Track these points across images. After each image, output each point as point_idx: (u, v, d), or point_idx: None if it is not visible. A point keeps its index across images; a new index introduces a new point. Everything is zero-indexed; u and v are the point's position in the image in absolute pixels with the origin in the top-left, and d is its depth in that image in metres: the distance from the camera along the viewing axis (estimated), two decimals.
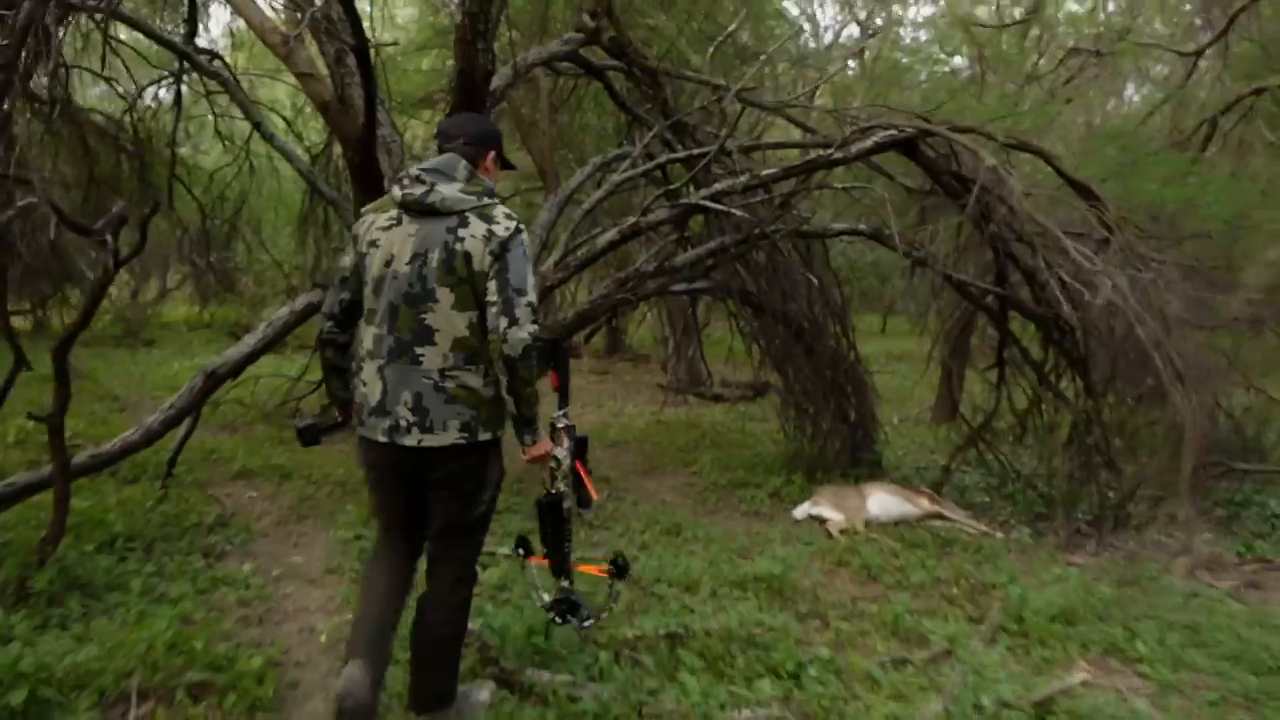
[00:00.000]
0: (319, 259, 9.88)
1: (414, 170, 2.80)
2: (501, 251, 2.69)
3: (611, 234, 5.64)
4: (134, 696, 3.15)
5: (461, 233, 2.71)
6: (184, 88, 8.30)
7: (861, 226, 6.33)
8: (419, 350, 2.72)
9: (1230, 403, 6.51)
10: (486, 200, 2.78)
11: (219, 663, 3.35)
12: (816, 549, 5.37)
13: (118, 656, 3.31)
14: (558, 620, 3.31)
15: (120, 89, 8.19)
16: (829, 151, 5.38)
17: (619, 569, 3.37)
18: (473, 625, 3.43)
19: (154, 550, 4.71)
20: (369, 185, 4.95)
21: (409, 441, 2.73)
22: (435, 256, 2.70)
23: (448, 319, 2.71)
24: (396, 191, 2.80)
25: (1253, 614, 4.51)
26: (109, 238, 2.98)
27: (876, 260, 12.36)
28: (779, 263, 6.69)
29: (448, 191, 2.74)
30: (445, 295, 2.70)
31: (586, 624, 3.31)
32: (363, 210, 2.96)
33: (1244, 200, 4.89)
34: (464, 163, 2.81)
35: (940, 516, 6.32)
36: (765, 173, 5.39)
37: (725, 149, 5.58)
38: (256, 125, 6.28)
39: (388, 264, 2.75)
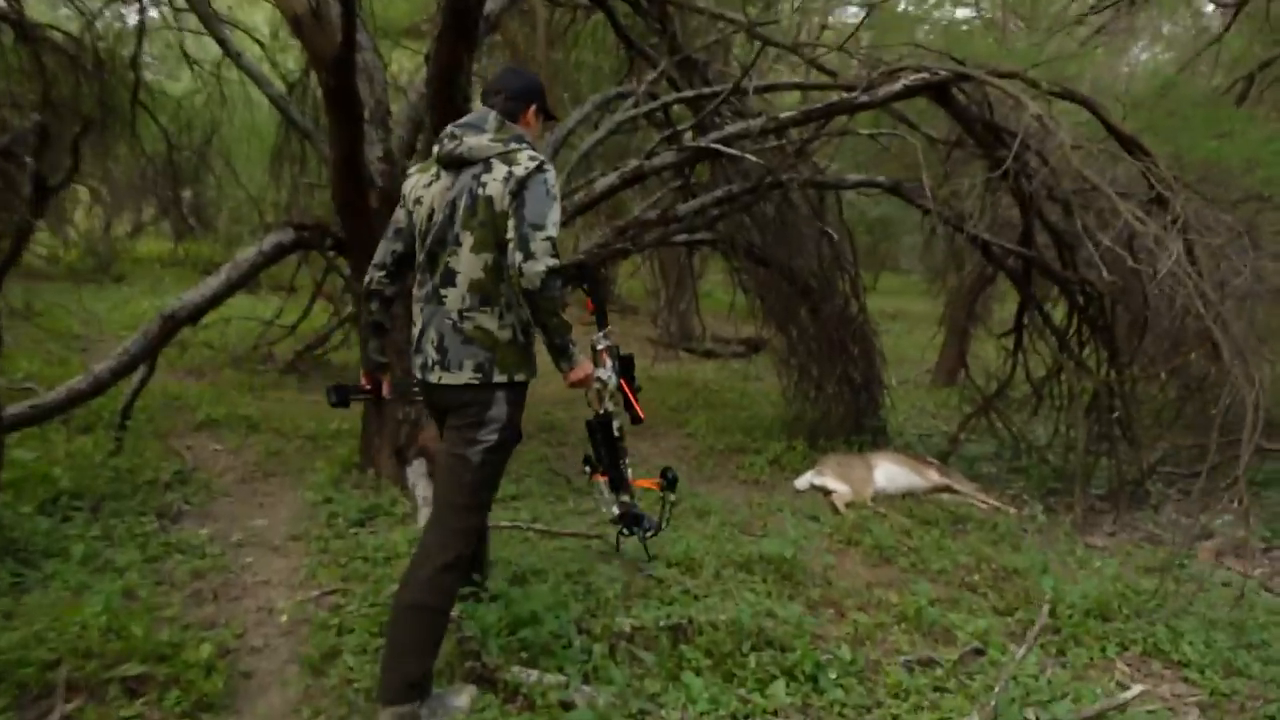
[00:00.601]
0: (294, 195, 9.32)
1: (450, 128, 2.91)
2: (520, 189, 2.72)
3: (611, 178, 5.17)
4: (60, 690, 2.75)
5: (484, 178, 2.78)
6: (149, 5, 7.67)
7: (880, 179, 5.87)
8: (443, 292, 2.85)
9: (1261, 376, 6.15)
10: (513, 145, 2.82)
11: (162, 651, 2.94)
12: (823, 525, 5.00)
13: (46, 642, 2.89)
14: (625, 532, 3.38)
15: (80, 4, 7.57)
16: (853, 94, 4.90)
17: (670, 481, 3.51)
18: (453, 614, 3.05)
19: (102, 510, 4.29)
20: (346, 115, 4.45)
21: (433, 378, 2.87)
22: (462, 203, 2.81)
23: (468, 262, 2.81)
24: (436, 149, 2.94)
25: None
26: (28, 159, 2.51)
27: (883, 215, 11.90)
28: (788, 215, 6.23)
29: (474, 142, 2.83)
30: (467, 238, 2.80)
31: (649, 533, 3.37)
32: (409, 170, 3.12)
33: None
34: (494, 114, 2.90)
35: (949, 489, 5.99)
36: (784, 115, 4.91)
37: (741, 88, 5.09)
38: (222, 43, 5.71)
39: (430, 217, 2.89)
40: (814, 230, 6.32)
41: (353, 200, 4.77)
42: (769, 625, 3.32)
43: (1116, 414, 5.53)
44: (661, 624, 3.28)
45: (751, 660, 3.12)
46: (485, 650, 2.99)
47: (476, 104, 3.13)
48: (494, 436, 2.83)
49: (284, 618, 3.45)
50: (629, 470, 3.28)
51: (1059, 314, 6.21)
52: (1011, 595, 4.03)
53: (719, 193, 5.76)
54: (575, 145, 6.50)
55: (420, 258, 2.95)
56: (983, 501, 5.87)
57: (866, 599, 3.89)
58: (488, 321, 2.82)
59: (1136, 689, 3.13)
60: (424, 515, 4.59)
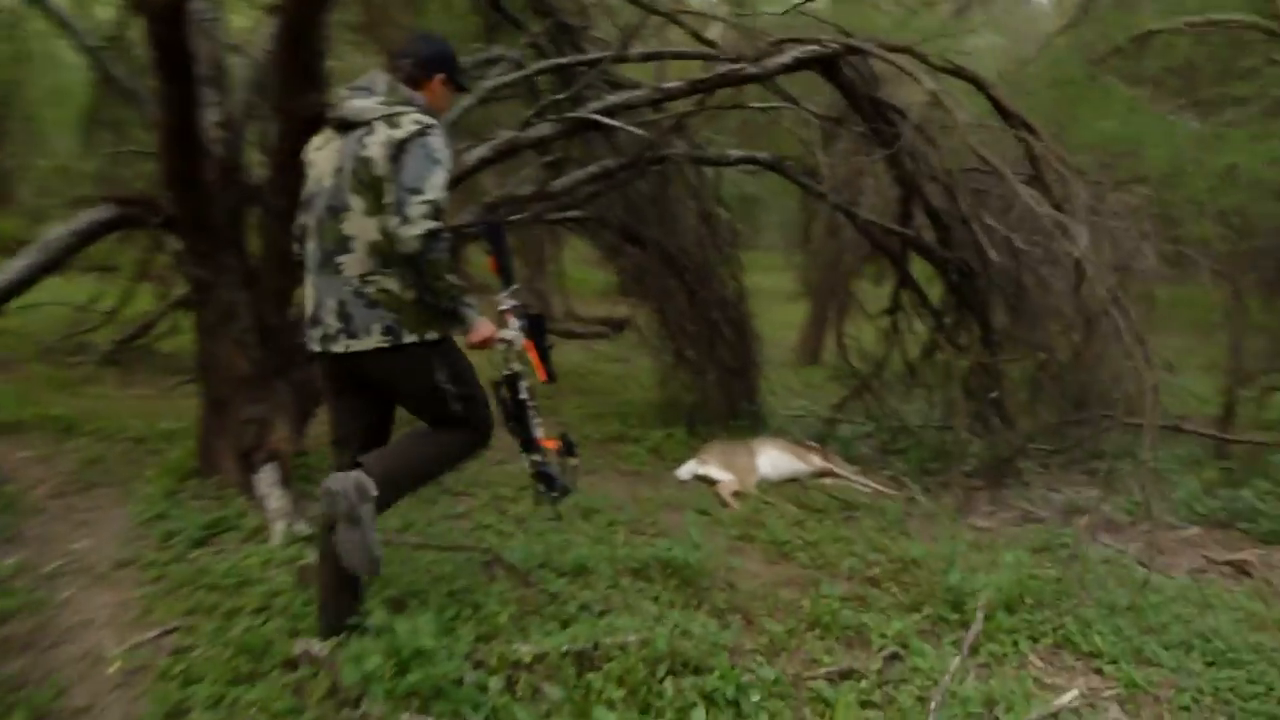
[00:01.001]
0: (113, 165, 8.33)
1: (341, 90, 2.89)
2: (399, 153, 2.68)
3: (483, 150, 4.73)
4: None
5: (366, 140, 2.74)
6: None
7: (762, 155, 5.66)
8: (339, 259, 2.78)
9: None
10: (399, 109, 2.78)
11: None
12: (714, 519, 4.78)
13: None
14: (541, 490, 3.27)
15: None
16: (741, 66, 4.64)
17: (567, 445, 3.35)
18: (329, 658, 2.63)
19: None
20: (177, 73, 3.84)
21: (338, 348, 2.79)
22: (348, 166, 2.77)
23: (361, 226, 2.75)
24: (329, 115, 2.90)
25: (1178, 587, 4.25)
26: None
27: (746, 192, 11.82)
28: (665, 192, 5.95)
29: (360, 104, 2.80)
30: (357, 203, 2.75)
31: (554, 495, 3.25)
32: (311, 140, 3.03)
33: (1181, 143, 4.56)
34: (386, 77, 2.88)
35: (831, 474, 5.90)
36: (668, 85, 4.60)
37: (624, 55, 4.74)
38: None
39: (318, 180, 2.87)
40: (691, 208, 6.06)
41: (184, 171, 4.16)
42: (684, 646, 3.03)
43: (994, 394, 5.54)
44: (565, 650, 2.93)
45: (668, 687, 2.82)
46: (369, 699, 2.57)
47: (341, 72, 2.71)
48: (458, 389, 2.87)
49: (115, 667, 2.92)
50: (540, 430, 3.19)
51: (934, 294, 6.21)
52: (915, 590, 3.89)
53: (595, 168, 5.41)
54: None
55: (309, 223, 2.89)
56: (865, 484, 5.81)
57: (774, 603, 3.67)
58: (390, 284, 2.75)
59: (1070, 694, 3.02)
60: (279, 529, 4.10)
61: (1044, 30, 10.40)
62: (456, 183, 4.93)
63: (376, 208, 2.71)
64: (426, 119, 2.76)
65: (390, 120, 2.72)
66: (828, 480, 5.86)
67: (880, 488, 5.77)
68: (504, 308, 3.04)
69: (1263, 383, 7.31)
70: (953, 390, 5.88)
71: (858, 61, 4.97)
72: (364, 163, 2.72)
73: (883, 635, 3.39)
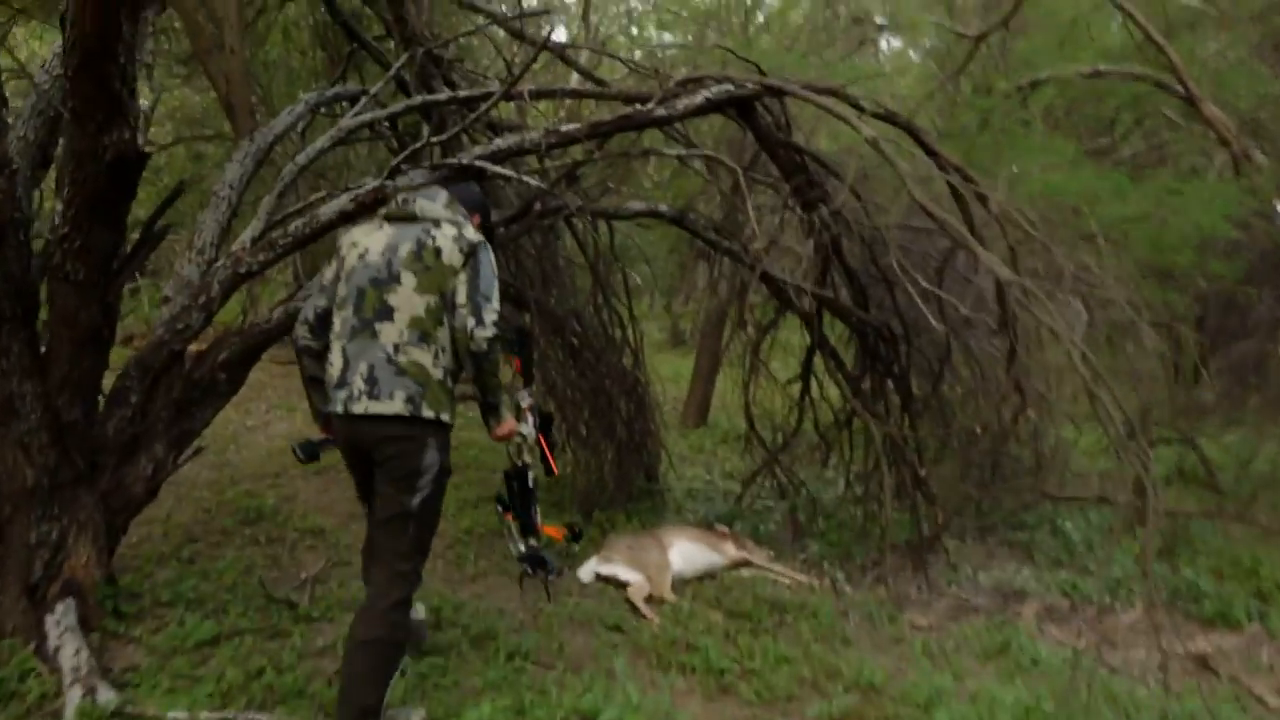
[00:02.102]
0: None
1: (401, 196, 3.15)
2: (471, 254, 2.97)
3: (343, 202, 3.90)
4: None
5: (434, 232, 3.01)
6: None
7: (663, 208, 5.04)
8: (378, 326, 2.93)
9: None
10: (461, 218, 3.11)
11: None
12: (632, 638, 4.03)
13: None
14: (529, 571, 3.46)
15: None
16: (649, 107, 4.00)
17: (575, 534, 3.74)
18: None
19: None
20: None
21: (358, 409, 2.90)
22: (406, 248, 2.99)
23: (408, 300, 2.93)
24: (382, 211, 3.18)
25: (1155, 698, 3.79)
26: None
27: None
28: (553, 249, 5.24)
29: (426, 205, 3.08)
30: (409, 279, 2.95)
31: (552, 575, 3.47)
32: (349, 228, 3.27)
33: (1133, 200, 4.24)
34: (445, 193, 3.17)
35: (747, 563, 5.26)
36: (566, 129, 3.90)
37: (514, 93, 4.01)
38: None
39: (361, 256, 3.04)
40: (582, 266, 5.37)
41: None
42: None
43: (922, 470, 5.06)
44: None
45: None
46: None
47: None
48: (429, 487, 2.94)
49: None
50: (539, 517, 3.47)
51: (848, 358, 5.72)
52: None
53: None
54: (278, 162, 5.12)
55: (346, 293, 3.03)
56: (785, 576, 5.20)
57: None
58: (423, 357, 2.92)
59: None
60: (74, 698, 3.12)
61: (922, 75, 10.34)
62: (307, 242, 4.10)
63: (427, 289, 2.93)
64: (475, 229, 3.11)
65: (454, 222, 3.04)
66: (744, 571, 5.22)
67: (800, 577, 5.18)
68: (524, 404, 3.32)
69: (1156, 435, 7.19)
70: (877, 463, 5.37)
71: (773, 105, 4.42)
72: (432, 250, 2.96)
73: None
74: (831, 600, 4.76)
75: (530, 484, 3.38)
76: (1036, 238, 3.40)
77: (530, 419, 3.31)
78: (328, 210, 3.97)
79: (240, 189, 4.24)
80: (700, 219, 5.08)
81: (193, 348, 3.84)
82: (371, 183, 3.97)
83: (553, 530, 3.70)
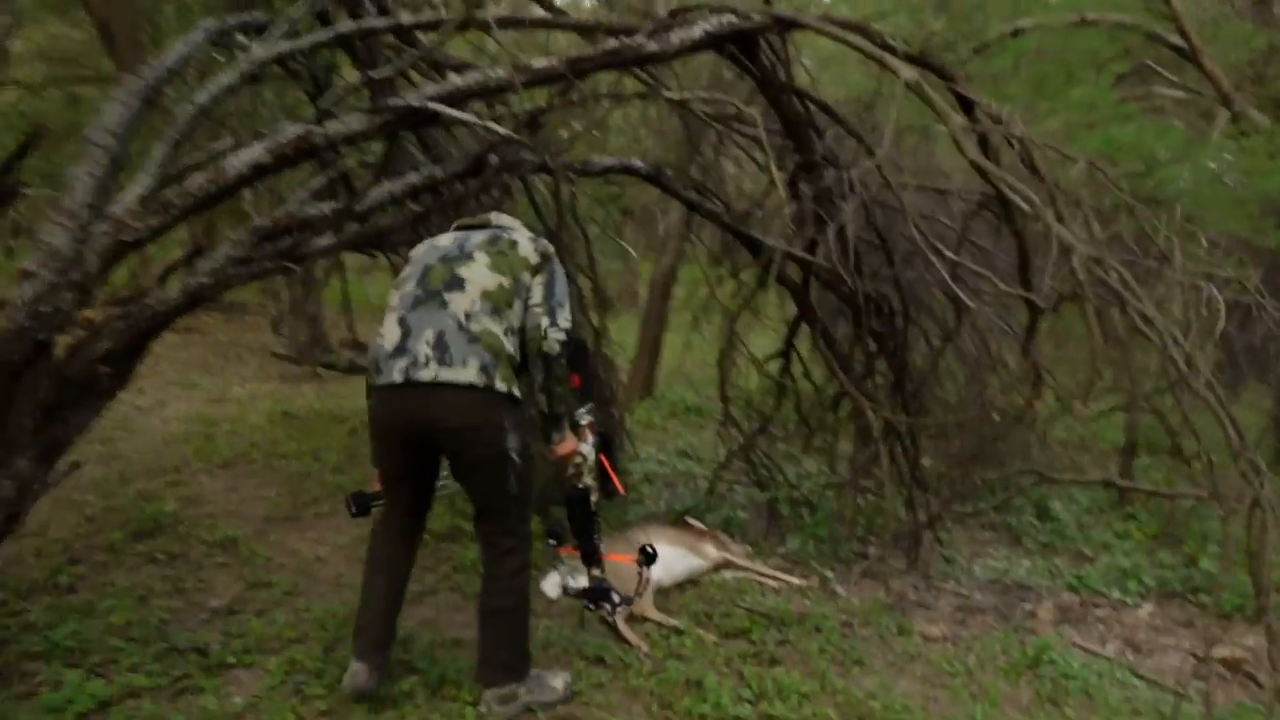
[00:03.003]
0: None
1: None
2: (547, 259, 3.01)
3: (257, 153, 3.11)
4: None
5: (510, 233, 3.05)
6: None
7: (637, 163, 4.33)
8: (447, 295, 2.83)
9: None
10: (532, 236, 3.11)
11: None
12: (620, 674, 3.40)
13: None
14: (590, 607, 3.33)
15: None
16: (637, 41, 3.29)
17: (648, 557, 3.45)
18: None
19: None
20: None
21: (425, 376, 2.74)
22: (480, 236, 3.01)
23: (481, 274, 2.87)
24: (456, 223, 3.21)
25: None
26: None
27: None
28: (510, 213, 4.49)
29: (500, 216, 3.18)
30: (482, 257, 2.92)
31: (620, 607, 3.33)
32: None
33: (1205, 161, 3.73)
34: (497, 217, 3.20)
35: (729, 565, 4.70)
36: (541, 65, 3.17)
37: (472, 19, 3.23)
38: None
39: (431, 245, 3.04)
40: (540, 231, 4.64)
41: None
42: None
43: (925, 459, 4.54)
44: None
45: None
46: None
47: None
48: (520, 466, 2.86)
49: None
50: (602, 544, 3.28)
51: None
52: None
53: (415, 178, 3.87)
54: (172, 107, 4.22)
55: (409, 274, 2.96)
56: (773, 577, 4.66)
57: None
58: (495, 326, 2.82)
59: None
60: None
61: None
62: (212, 203, 3.31)
63: (500, 270, 2.87)
64: None
65: (531, 234, 3.08)
66: (726, 573, 4.66)
67: (788, 578, 4.64)
68: (583, 422, 3.17)
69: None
70: (868, 448, 4.84)
71: (775, 44, 3.75)
72: (508, 241, 2.97)
73: None
74: (830, 608, 4.22)
75: (591, 508, 3.22)
76: (1127, 201, 2.85)
77: (589, 438, 3.19)
78: (237, 162, 3.17)
79: (124, 137, 3.36)
80: (679, 176, 4.40)
81: (64, 337, 3.00)
82: (292, 128, 3.18)
83: (620, 557, 3.48)
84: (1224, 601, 4.44)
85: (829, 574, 4.74)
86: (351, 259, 11.23)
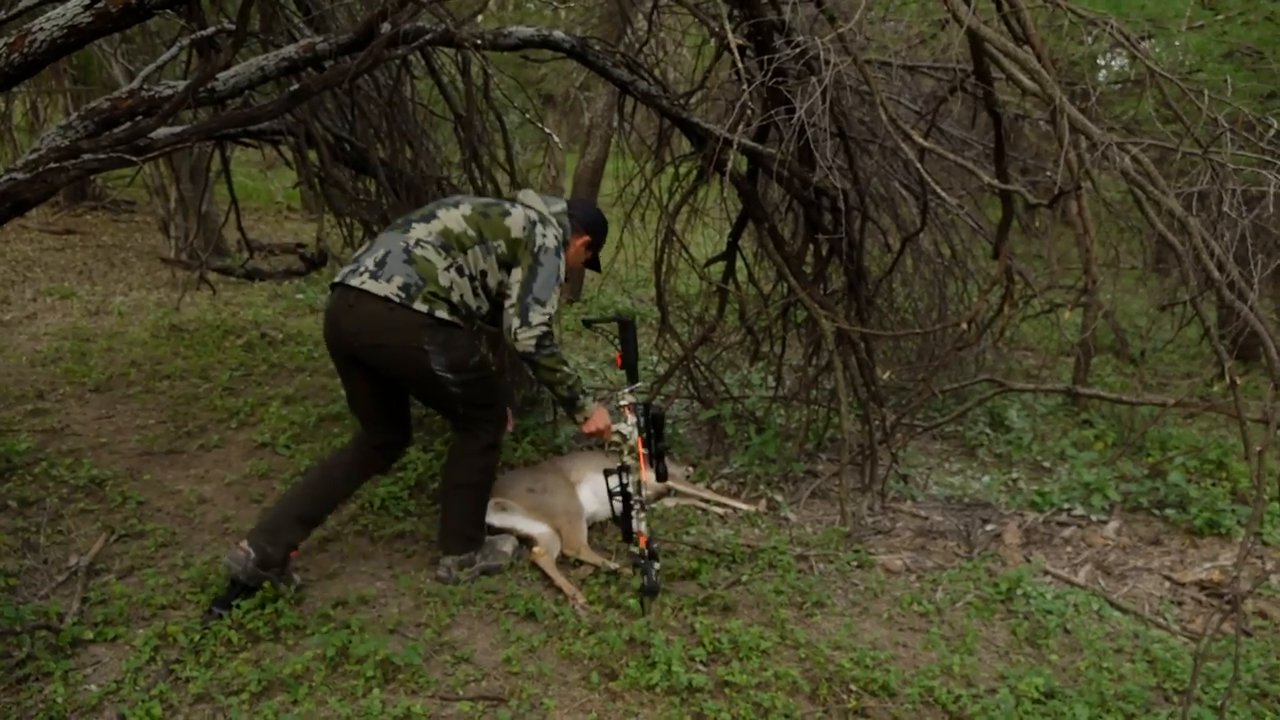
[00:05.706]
0: None
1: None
2: (538, 251, 3.01)
3: (73, 9, 2.42)
4: None
5: (516, 206, 3.13)
6: None
7: (560, 35, 3.69)
8: (414, 224, 3.01)
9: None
10: (551, 219, 3.14)
11: None
12: (550, 626, 2.97)
13: None
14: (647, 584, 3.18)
15: None
16: None
17: (651, 551, 3.21)
18: None
19: None
20: None
21: (355, 282, 2.88)
22: (485, 199, 3.17)
23: (452, 217, 3.02)
24: None
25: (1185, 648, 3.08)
26: None
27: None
28: (406, 95, 3.85)
29: (530, 196, 3.21)
30: (465, 209, 3.05)
31: (653, 578, 3.14)
32: None
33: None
34: (565, 204, 3.27)
35: (670, 492, 4.28)
36: None
37: None
38: None
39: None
40: (446, 119, 4.01)
41: None
42: None
43: (888, 373, 4.13)
44: None
45: None
46: None
47: None
48: (464, 379, 2.99)
49: None
50: (643, 524, 3.19)
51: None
52: None
53: (292, 50, 3.21)
54: None
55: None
56: (715, 502, 4.26)
57: None
58: (436, 258, 2.93)
59: None
60: None
61: None
62: (27, 73, 2.62)
63: (476, 223, 3.00)
64: (560, 237, 3.10)
65: (545, 221, 3.09)
66: (667, 501, 4.24)
67: (736, 504, 4.26)
68: (624, 403, 3.22)
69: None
70: (816, 358, 4.43)
71: None
72: (502, 210, 3.06)
73: None
74: (782, 538, 3.84)
75: (630, 487, 3.18)
76: (1187, 92, 2.35)
77: (630, 418, 3.20)
78: (49, 23, 2.47)
79: None
80: (608, 52, 3.77)
81: None
82: None
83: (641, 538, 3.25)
84: (1195, 518, 4.19)
85: (778, 497, 4.37)
86: (254, 153, 10.27)
